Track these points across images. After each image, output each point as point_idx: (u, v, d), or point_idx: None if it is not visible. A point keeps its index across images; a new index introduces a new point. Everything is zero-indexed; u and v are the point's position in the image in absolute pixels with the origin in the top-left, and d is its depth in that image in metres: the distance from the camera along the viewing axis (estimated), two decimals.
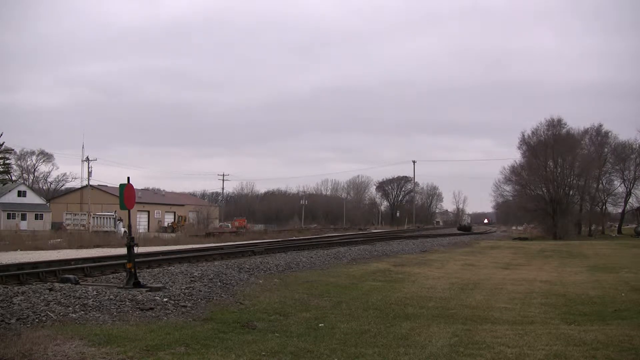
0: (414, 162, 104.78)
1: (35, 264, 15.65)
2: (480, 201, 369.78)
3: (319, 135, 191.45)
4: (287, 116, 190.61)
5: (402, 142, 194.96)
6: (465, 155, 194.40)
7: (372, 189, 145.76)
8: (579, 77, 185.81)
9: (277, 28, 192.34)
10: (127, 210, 11.67)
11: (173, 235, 52.05)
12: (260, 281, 14.17)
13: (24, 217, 66.33)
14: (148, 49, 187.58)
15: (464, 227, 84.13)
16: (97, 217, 58.55)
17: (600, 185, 69.46)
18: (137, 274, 11.74)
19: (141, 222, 74.24)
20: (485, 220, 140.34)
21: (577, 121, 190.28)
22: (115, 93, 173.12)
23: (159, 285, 11.62)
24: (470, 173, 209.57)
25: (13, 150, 78.62)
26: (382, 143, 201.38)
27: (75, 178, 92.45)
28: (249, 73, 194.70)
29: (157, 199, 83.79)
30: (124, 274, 12.40)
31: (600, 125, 70.31)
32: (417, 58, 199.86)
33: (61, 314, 8.68)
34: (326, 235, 55.47)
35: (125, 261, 11.96)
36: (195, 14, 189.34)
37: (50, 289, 10.30)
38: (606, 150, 70.31)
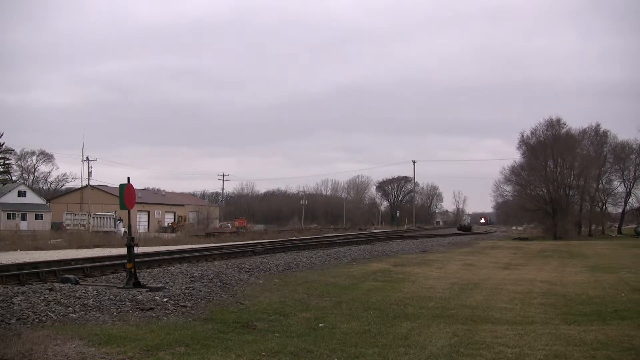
0: (414, 162, 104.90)
1: (35, 264, 15.65)
2: (481, 201, 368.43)
3: (330, 135, 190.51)
4: (299, 116, 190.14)
5: (412, 142, 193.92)
6: (476, 156, 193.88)
7: (372, 189, 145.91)
8: (584, 77, 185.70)
9: (298, 27, 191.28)
10: (127, 210, 11.67)
11: (173, 235, 52.03)
12: (260, 281, 14.16)
13: (24, 217, 66.27)
14: (163, 48, 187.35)
15: (464, 227, 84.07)
16: (97, 217, 58.53)
17: (600, 185, 69.39)
18: (137, 274, 11.74)
19: (141, 222, 74.19)
20: (482, 220, 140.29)
21: (581, 121, 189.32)
22: (128, 92, 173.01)
23: (159, 285, 11.62)
24: (475, 173, 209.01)
25: (13, 150, 78.85)
26: (393, 143, 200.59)
27: (75, 178, 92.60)
28: (265, 72, 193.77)
29: (157, 199, 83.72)
30: (124, 274, 12.40)
31: (598, 125, 70.35)
32: (437, 58, 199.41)
33: (61, 314, 8.67)
34: (326, 235, 55.47)
35: (125, 261, 11.96)
36: (213, 12, 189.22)
37: (50, 289, 10.29)
38: (605, 150, 70.32)
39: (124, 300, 9.78)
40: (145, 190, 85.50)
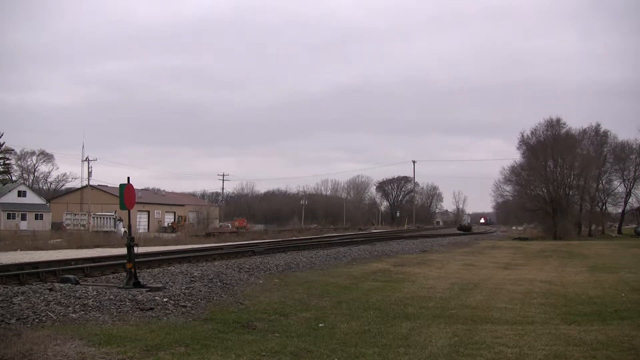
0: (414, 162, 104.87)
1: (35, 264, 15.63)
2: (481, 201, 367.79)
3: (330, 135, 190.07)
4: (299, 116, 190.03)
5: (412, 142, 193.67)
6: (476, 156, 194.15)
7: (372, 189, 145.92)
8: (584, 77, 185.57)
9: (298, 27, 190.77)
10: (127, 210, 11.67)
11: (173, 235, 52.04)
12: (260, 281, 14.16)
13: (24, 217, 66.25)
14: (163, 48, 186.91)
15: (464, 227, 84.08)
16: (97, 217, 58.53)
17: (600, 185, 69.42)
18: (137, 274, 11.74)
19: (141, 222, 74.19)
20: (482, 220, 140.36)
21: (581, 121, 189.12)
22: (128, 92, 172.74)
23: (159, 285, 11.62)
24: (475, 173, 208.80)
25: (13, 150, 78.87)
26: (393, 143, 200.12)
27: (75, 178, 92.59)
28: (265, 72, 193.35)
29: (157, 199, 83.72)
30: (124, 274, 12.40)
31: (598, 125, 70.37)
32: (437, 58, 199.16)
33: (61, 314, 8.67)
34: (326, 235, 55.46)
35: (125, 261, 11.96)
36: (213, 12, 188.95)
37: (50, 289, 10.29)
38: (605, 150, 70.34)
39: (124, 300, 9.78)
40: (145, 190, 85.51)
